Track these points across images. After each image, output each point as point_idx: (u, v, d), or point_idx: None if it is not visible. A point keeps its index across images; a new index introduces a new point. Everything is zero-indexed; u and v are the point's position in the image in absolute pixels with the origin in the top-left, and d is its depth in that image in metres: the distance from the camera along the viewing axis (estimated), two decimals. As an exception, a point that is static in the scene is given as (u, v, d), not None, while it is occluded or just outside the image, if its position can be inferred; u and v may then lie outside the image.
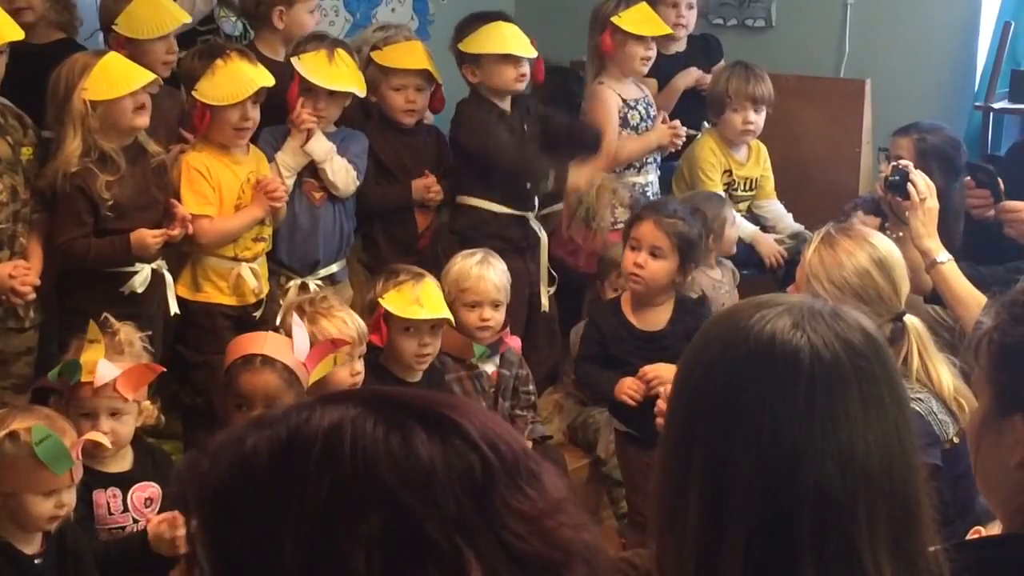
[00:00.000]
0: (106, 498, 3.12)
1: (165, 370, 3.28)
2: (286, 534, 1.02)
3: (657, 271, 3.79)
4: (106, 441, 3.00)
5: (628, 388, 3.69)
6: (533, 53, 4.58)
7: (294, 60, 4.21)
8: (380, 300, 3.70)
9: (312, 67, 4.19)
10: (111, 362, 3.06)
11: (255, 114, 3.99)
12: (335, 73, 4.21)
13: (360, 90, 4.28)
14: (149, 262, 3.80)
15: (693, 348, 1.50)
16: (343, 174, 4.25)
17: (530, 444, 3.29)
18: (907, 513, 1.42)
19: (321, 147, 4.21)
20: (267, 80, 3.98)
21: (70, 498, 2.81)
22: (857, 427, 1.40)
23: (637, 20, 4.89)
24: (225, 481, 1.07)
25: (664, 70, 5.27)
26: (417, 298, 3.71)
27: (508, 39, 4.55)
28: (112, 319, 3.18)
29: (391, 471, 1.03)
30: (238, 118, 3.95)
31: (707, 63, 5.38)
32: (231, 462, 1.08)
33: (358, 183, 4.32)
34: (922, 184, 3.44)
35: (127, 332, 3.16)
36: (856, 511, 1.38)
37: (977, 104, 5.45)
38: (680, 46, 5.40)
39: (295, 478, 1.04)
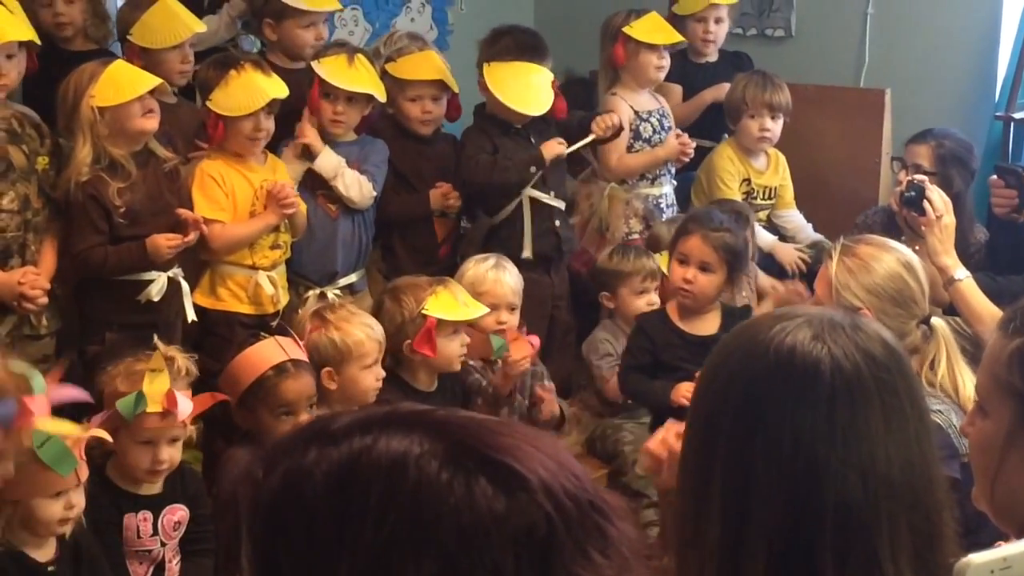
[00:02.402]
0: (136, 522, 3.11)
1: (227, 398, 3.26)
2: (339, 571, 0.99)
3: (707, 285, 3.79)
4: (107, 437, 2.97)
5: (687, 391, 3.65)
6: (552, 95, 4.50)
7: (314, 64, 4.23)
8: (425, 311, 3.61)
9: (331, 70, 4.20)
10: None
11: (268, 124, 3.99)
12: (354, 75, 4.22)
13: (380, 94, 4.29)
14: (165, 270, 3.80)
15: (713, 361, 1.49)
16: (356, 188, 4.23)
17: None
18: (929, 525, 1.41)
19: (329, 163, 4.20)
20: (280, 91, 3.97)
21: (79, 499, 2.80)
22: (878, 439, 1.39)
23: (649, 29, 4.87)
24: (277, 494, 1.04)
25: (692, 79, 5.25)
26: (461, 300, 3.71)
27: (530, 97, 4.46)
28: (161, 343, 3.16)
29: (450, 523, 0.99)
30: (251, 128, 3.95)
31: None
32: (286, 474, 1.04)
33: (375, 194, 4.30)
34: (938, 201, 3.42)
35: (181, 359, 3.15)
36: (878, 523, 1.37)
37: (998, 114, 5.41)
38: (711, 57, 5.38)
39: (352, 515, 1.00)
